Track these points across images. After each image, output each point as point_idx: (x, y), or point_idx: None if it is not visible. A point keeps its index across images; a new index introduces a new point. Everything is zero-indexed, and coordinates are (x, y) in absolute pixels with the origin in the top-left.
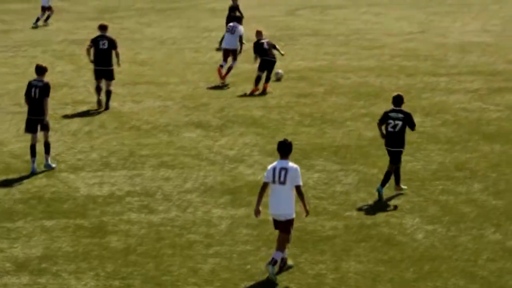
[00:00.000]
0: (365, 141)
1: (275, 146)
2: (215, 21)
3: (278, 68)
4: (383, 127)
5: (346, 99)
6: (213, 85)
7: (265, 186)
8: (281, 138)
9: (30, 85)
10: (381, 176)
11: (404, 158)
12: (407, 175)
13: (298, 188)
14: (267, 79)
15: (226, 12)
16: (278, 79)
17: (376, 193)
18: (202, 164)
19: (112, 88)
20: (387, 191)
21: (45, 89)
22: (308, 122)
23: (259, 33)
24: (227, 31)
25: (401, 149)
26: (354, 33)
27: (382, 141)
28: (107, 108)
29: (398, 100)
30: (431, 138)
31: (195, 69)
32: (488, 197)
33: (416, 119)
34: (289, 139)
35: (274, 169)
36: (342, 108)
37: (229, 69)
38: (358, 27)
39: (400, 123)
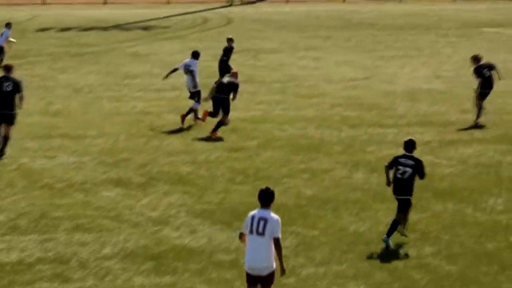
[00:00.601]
0: (304, 200)
1: (204, 206)
2: (137, 67)
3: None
4: (391, 172)
5: (283, 153)
6: (134, 138)
7: (241, 235)
8: (210, 197)
9: None
10: (323, 239)
11: (347, 218)
12: (351, 237)
13: (276, 241)
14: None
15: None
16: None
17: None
18: (123, 227)
19: (11, 134)
20: (330, 256)
21: None
22: (241, 179)
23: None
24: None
25: (409, 197)
26: (291, 80)
27: (323, 199)
28: (2, 154)
29: (410, 146)
30: (378, 196)
31: (115, 120)
32: (440, 261)
33: (361, 175)
34: (219, 197)
35: (253, 218)
36: (278, 164)
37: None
38: (295, 73)
39: (409, 170)
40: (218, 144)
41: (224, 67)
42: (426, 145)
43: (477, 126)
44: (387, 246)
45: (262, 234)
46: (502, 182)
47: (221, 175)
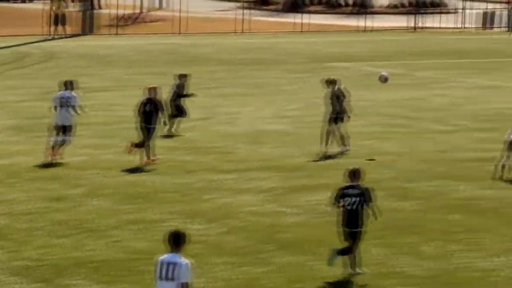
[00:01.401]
0: (134, 254)
1: (22, 263)
2: None
3: None
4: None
5: (110, 202)
6: None
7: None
8: (29, 253)
9: None
10: None
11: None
12: None
13: (184, 286)
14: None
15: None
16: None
17: None
18: None
19: None
20: None
21: None
22: (63, 232)
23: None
24: None
25: (361, 229)
26: (120, 122)
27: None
28: None
29: (355, 175)
30: (215, 248)
31: None
32: None
33: (197, 226)
34: (39, 252)
35: (161, 263)
36: (105, 214)
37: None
38: (125, 114)
39: (357, 199)
40: (38, 193)
41: (177, 105)
42: (269, 192)
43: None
44: (332, 259)
45: (171, 279)
46: None
47: (41, 227)
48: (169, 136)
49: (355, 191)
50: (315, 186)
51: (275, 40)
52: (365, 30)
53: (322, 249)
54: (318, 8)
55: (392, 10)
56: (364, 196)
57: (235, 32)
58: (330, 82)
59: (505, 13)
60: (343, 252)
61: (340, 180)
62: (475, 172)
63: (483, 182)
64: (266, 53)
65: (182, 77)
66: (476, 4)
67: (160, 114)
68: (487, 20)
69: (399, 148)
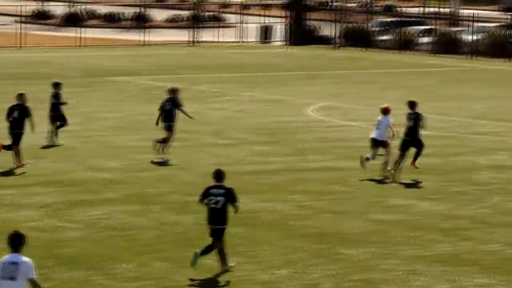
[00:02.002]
0: None
1: None
2: None
3: None
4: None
5: None
6: None
7: None
8: None
9: None
10: None
11: None
12: None
13: (32, 281)
14: None
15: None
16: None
17: None
18: None
19: None
20: None
21: None
22: None
23: None
24: None
25: (225, 226)
26: None
27: None
28: None
29: (219, 175)
30: None
31: None
32: None
33: None
34: None
35: (3, 264)
36: None
37: None
38: None
39: (222, 199)
40: None
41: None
42: (49, 207)
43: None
44: (195, 261)
45: (13, 278)
46: (133, 247)
47: None
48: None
49: (220, 191)
50: (95, 200)
51: (54, 55)
52: (144, 44)
53: (103, 263)
54: (97, 22)
55: (171, 24)
56: (228, 196)
57: (14, 47)
58: (173, 91)
59: (283, 27)
60: (204, 252)
61: (120, 196)
62: (255, 185)
63: (263, 195)
64: (44, 67)
65: (56, 86)
66: (254, 18)
67: (28, 120)
68: (266, 34)
69: (178, 162)
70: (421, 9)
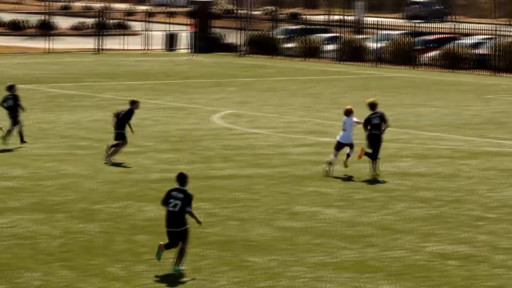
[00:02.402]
0: None
1: None
2: None
3: None
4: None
5: None
6: None
7: None
8: None
9: None
10: None
11: None
12: None
13: None
14: None
15: None
16: None
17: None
18: None
19: None
20: None
21: None
22: None
23: None
24: None
25: (183, 229)
26: None
27: None
28: None
29: (182, 179)
30: None
31: None
32: None
33: None
34: None
35: None
36: None
37: None
38: None
39: (180, 203)
40: None
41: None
42: None
43: None
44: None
45: None
46: (38, 255)
47: None
48: None
49: (180, 195)
50: (0, 209)
51: None
52: (49, 52)
53: (7, 272)
54: (1, 30)
55: (76, 32)
56: (185, 201)
57: None
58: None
59: (188, 34)
60: (168, 246)
61: (25, 204)
62: (161, 193)
63: None
64: None
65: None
66: (160, 26)
67: None
68: (171, 42)
69: (83, 170)
70: (326, 17)
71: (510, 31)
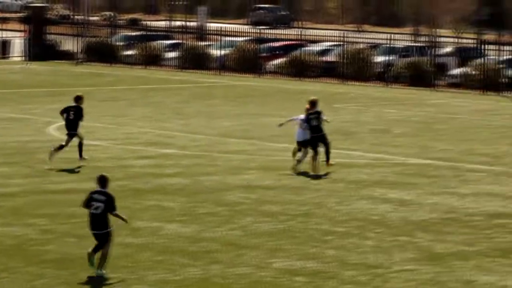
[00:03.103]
0: None
1: None
2: None
3: None
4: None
5: None
6: None
7: None
8: None
9: None
10: None
11: None
12: None
13: None
14: None
15: None
16: None
17: None
18: None
19: None
20: None
21: None
22: None
23: None
24: None
25: (107, 230)
26: None
27: None
28: None
29: (103, 181)
30: None
31: None
32: None
33: None
34: None
35: None
36: None
37: None
38: None
39: (102, 205)
40: None
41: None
42: None
43: None
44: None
45: None
46: None
47: None
48: None
49: (101, 197)
50: None
51: None
52: None
53: None
54: None
55: None
56: (107, 203)
57: None
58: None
59: (21, 41)
60: (95, 249)
61: None
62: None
63: (2, 219)
64: None
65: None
66: None
67: None
68: (4, 49)
69: None
70: (167, 22)
71: (358, 38)
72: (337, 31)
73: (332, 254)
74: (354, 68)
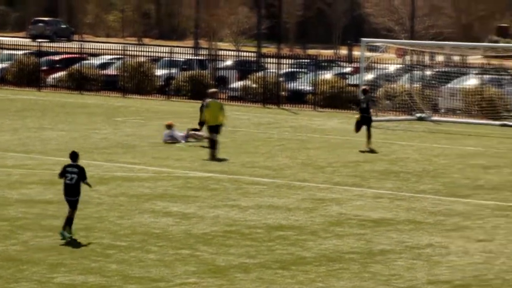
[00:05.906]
0: None
1: None
2: None
3: None
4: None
5: None
6: None
7: None
8: None
9: None
10: None
11: None
12: None
13: None
14: None
15: None
16: None
17: None
18: None
19: None
20: None
21: None
22: None
23: None
24: None
25: (78, 198)
26: None
27: None
28: None
29: (74, 156)
30: None
31: None
32: None
33: None
34: None
35: None
36: None
37: None
38: None
39: (75, 176)
40: None
41: None
42: None
43: None
44: (64, 237)
45: None
46: None
47: None
48: None
49: (74, 169)
50: None
51: None
52: None
53: None
54: None
55: None
56: (80, 174)
57: None
58: None
59: None
60: (66, 224)
61: None
62: None
63: None
64: None
65: None
66: None
67: None
68: None
69: None
70: None
71: (139, 51)
72: (118, 44)
73: (114, 268)
74: (135, 81)
